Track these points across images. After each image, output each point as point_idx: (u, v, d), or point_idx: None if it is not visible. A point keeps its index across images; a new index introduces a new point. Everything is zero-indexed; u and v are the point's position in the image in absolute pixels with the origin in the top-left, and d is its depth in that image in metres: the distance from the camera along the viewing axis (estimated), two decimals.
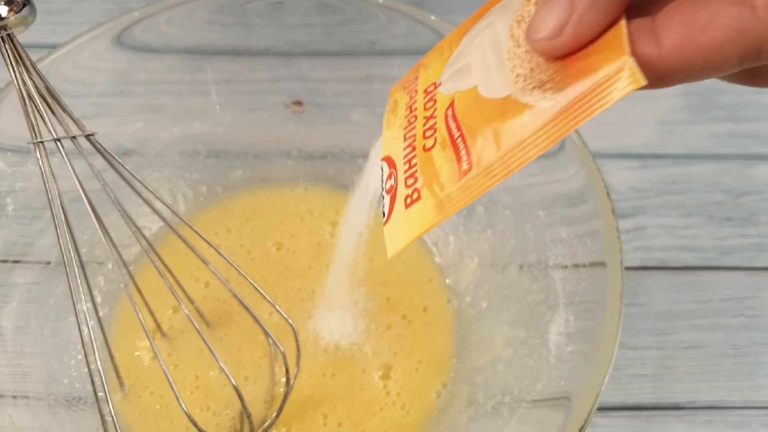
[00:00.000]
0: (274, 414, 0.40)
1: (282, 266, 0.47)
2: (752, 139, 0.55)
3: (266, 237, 0.48)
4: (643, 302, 0.48)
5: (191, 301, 0.42)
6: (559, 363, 0.38)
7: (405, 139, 0.28)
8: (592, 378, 0.34)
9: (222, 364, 0.34)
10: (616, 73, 0.20)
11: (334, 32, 0.49)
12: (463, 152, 0.24)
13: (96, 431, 0.39)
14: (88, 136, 0.34)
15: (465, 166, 0.24)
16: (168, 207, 0.36)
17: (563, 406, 0.35)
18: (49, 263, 0.44)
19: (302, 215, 0.49)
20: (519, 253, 0.44)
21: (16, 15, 0.30)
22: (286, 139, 0.51)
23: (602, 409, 0.44)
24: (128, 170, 0.35)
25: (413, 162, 0.27)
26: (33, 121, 0.33)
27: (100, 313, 0.44)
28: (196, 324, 0.35)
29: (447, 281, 0.47)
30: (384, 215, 0.28)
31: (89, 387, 0.40)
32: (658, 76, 0.21)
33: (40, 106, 0.32)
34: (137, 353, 0.44)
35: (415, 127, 0.28)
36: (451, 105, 0.26)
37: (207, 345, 0.35)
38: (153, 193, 0.36)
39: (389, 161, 0.29)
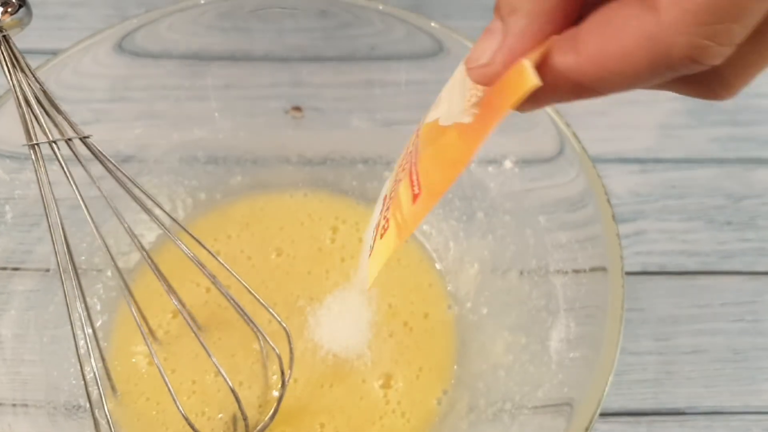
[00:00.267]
0: (268, 417, 0.40)
1: (282, 272, 0.47)
2: (752, 143, 0.55)
3: (266, 242, 0.48)
4: (644, 307, 0.48)
5: (183, 305, 0.42)
6: (561, 369, 0.38)
7: (395, 176, 0.29)
8: (594, 384, 0.33)
9: (219, 366, 0.34)
10: (515, 77, 0.21)
11: (333, 37, 0.49)
12: (415, 178, 0.26)
13: None
14: (83, 139, 0.34)
15: (416, 190, 0.26)
16: (165, 213, 0.36)
17: (565, 412, 0.35)
18: (48, 270, 0.44)
19: (302, 220, 0.49)
20: (519, 258, 0.44)
21: (12, 16, 0.30)
22: (285, 145, 0.51)
23: (603, 414, 0.44)
24: (125, 174, 0.35)
25: (392, 195, 0.28)
26: (29, 124, 0.32)
27: (99, 321, 0.45)
28: (194, 328, 0.35)
29: (447, 287, 0.46)
30: (370, 249, 0.30)
31: (86, 395, 0.40)
32: (577, 84, 0.21)
33: (36, 108, 0.32)
34: (134, 359, 0.43)
35: (401, 163, 0.29)
36: (419, 136, 0.27)
37: (204, 348, 0.35)
38: (151, 198, 0.36)
39: (384, 199, 0.30)
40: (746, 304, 0.48)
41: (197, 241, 0.37)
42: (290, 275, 0.46)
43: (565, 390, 0.37)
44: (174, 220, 0.37)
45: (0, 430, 0.36)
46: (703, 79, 0.22)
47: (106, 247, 0.37)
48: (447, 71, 0.46)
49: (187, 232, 0.36)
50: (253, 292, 0.37)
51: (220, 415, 0.41)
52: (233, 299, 0.38)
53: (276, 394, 0.41)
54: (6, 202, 0.42)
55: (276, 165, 0.51)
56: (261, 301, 0.37)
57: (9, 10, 0.30)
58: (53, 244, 0.34)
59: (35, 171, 0.33)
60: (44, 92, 0.33)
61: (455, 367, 0.44)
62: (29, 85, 0.32)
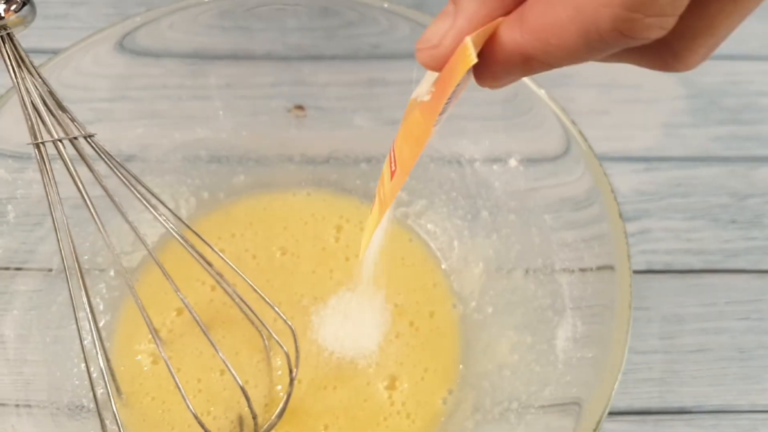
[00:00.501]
0: (274, 415, 0.40)
1: (287, 271, 0.46)
2: (756, 142, 0.55)
3: (271, 241, 0.48)
4: (649, 306, 0.48)
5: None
6: (568, 368, 0.37)
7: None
8: (602, 383, 0.33)
9: (228, 364, 0.34)
10: (461, 56, 0.21)
11: (335, 36, 0.48)
12: (392, 154, 0.27)
13: None
14: (87, 138, 0.34)
15: (393, 167, 0.27)
16: (170, 210, 0.36)
17: (573, 412, 0.35)
18: (50, 270, 0.43)
19: (306, 220, 0.49)
20: (524, 257, 0.43)
21: (16, 14, 0.29)
22: (288, 144, 0.51)
23: (609, 413, 0.44)
24: (130, 172, 0.35)
25: (381, 176, 0.30)
26: (33, 123, 0.32)
27: (102, 321, 0.44)
28: (202, 325, 0.34)
29: (452, 286, 0.46)
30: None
31: (92, 395, 0.40)
32: (526, 57, 0.21)
33: (41, 107, 0.32)
34: (138, 358, 0.43)
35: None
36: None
37: (212, 345, 0.34)
38: (155, 196, 0.36)
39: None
40: (752, 303, 0.48)
41: (202, 240, 0.37)
42: (295, 274, 0.46)
43: (572, 389, 0.36)
44: (179, 218, 0.36)
45: (3, 431, 0.36)
46: (655, 51, 0.22)
47: (111, 245, 0.36)
48: None
49: (193, 231, 0.36)
50: (259, 291, 0.37)
51: (226, 415, 0.41)
52: (240, 298, 0.38)
53: (280, 389, 0.41)
54: (8, 202, 0.42)
55: (279, 164, 0.51)
56: (267, 300, 0.37)
57: (13, 7, 0.30)
58: (58, 242, 0.34)
59: (40, 170, 0.33)
60: (49, 91, 0.33)
61: (460, 366, 0.43)
62: (33, 83, 0.32)
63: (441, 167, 0.48)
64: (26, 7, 0.30)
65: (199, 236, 0.37)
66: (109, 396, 0.35)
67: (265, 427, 0.39)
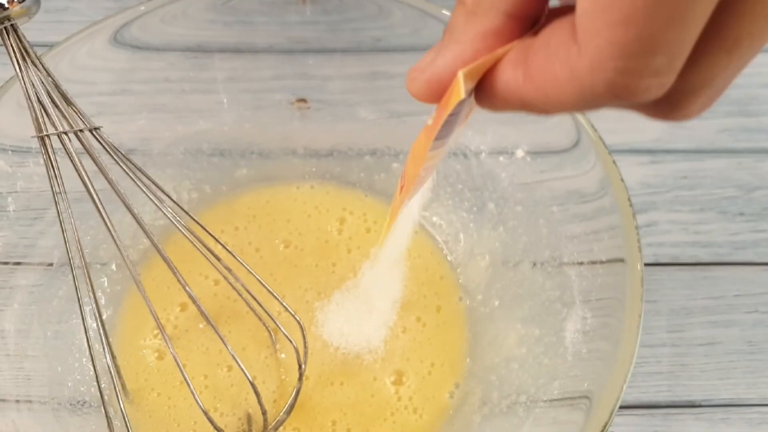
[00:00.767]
0: (283, 411, 0.39)
1: (290, 264, 0.46)
2: (764, 134, 0.54)
3: (274, 234, 0.47)
4: (657, 299, 0.48)
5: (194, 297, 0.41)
6: (577, 362, 0.37)
7: None
8: (613, 377, 0.33)
9: (238, 359, 0.34)
10: (455, 87, 0.21)
11: (338, 29, 0.48)
12: (404, 170, 0.29)
13: None
14: (93, 130, 0.33)
15: (402, 183, 0.29)
16: (176, 203, 0.35)
17: (583, 406, 0.34)
18: (51, 265, 0.43)
19: (309, 212, 0.48)
20: (532, 249, 0.43)
21: (21, 5, 0.29)
22: (291, 137, 0.50)
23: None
24: (135, 165, 0.34)
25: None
26: (38, 115, 0.32)
27: (105, 315, 0.44)
28: (210, 319, 0.34)
29: (459, 279, 0.46)
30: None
31: (94, 390, 0.39)
32: (522, 102, 0.21)
33: (45, 100, 0.31)
34: (142, 353, 0.43)
35: None
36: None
37: (222, 339, 0.34)
38: (161, 189, 0.35)
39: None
40: (760, 295, 0.48)
41: (208, 232, 0.36)
42: (298, 267, 0.46)
43: (582, 383, 0.36)
44: (185, 211, 0.36)
45: (4, 427, 0.35)
46: (652, 102, 0.21)
47: (117, 237, 0.36)
48: None
49: (198, 223, 0.36)
50: (266, 284, 0.36)
51: (234, 412, 0.41)
52: (249, 291, 0.37)
53: (289, 384, 0.41)
54: (8, 195, 0.42)
55: (282, 157, 0.50)
56: (274, 294, 0.36)
57: None
58: (63, 235, 0.34)
59: (45, 163, 0.32)
60: (54, 83, 0.32)
61: (467, 360, 0.43)
62: (38, 75, 0.31)
63: (446, 159, 0.47)
64: None
65: (205, 230, 0.36)
66: (116, 392, 0.35)
67: (274, 423, 0.39)
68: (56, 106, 0.32)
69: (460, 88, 0.21)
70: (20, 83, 0.31)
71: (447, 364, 0.43)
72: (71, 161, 0.33)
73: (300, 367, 0.38)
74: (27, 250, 0.43)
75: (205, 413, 0.34)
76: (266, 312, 0.39)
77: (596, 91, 0.19)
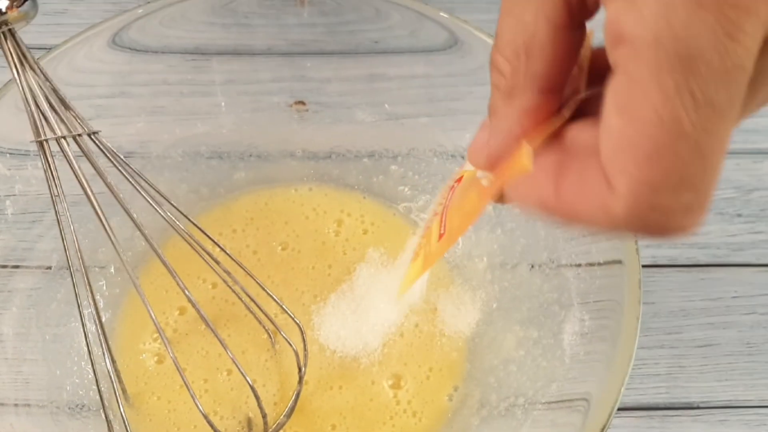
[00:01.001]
0: (283, 414, 0.39)
1: (287, 266, 0.46)
2: (762, 135, 0.54)
3: (272, 237, 0.47)
4: (655, 300, 0.48)
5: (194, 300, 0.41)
6: (575, 364, 0.37)
7: (435, 207, 0.32)
8: (611, 379, 0.33)
9: (238, 364, 0.34)
10: (518, 158, 0.22)
11: (336, 31, 0.48)
12: (444, 219, 0.29)
13: None
14: (91, 135, 0.33)
15: (442, 230, 0.29)
16: (175, 207, 0.36)
17: (581, 408, 0.34)
18: (49, 268, 0.43)
19: (307, 214, 0.48)
20: (530, 252, 0.43)
21: (19, 9, 0.29)
22: (289, 140, 0.50)
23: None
24: (133, 169, 0.35)
25: (428, 225, 0.32)
26: (36, 120, 0.32)
27: (103, 318, 0.44)
28: (210, 323, 0.34)
29: (456, 281, 0.46)
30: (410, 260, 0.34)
31: (92, 394, 0.39)
32: (548, 212, 0.22)
33: (43, 104, 0.31)
34: (142, 357, 0.43)
35: (442, 194, 0.32)
36: (459, 179, 0.30)
37: (222, 344, 0.34)
38: (160, 193, 0.35)
39: (427, 223, 0.33)
40: (758, 297, 0.48)
41: (206, 235, 0.36)
42: (295, 270, 0.46)
43: (580, 385, 0.36)
44: (183, 214, 0.36)
45: (2, 430, 0.36)
46: None
47: (116, 241, 0.36)
48: (452, 64, 0.45)
49: (197, 226, 0.36)
50: (265, 288, 0.36)
51: (234, 416, 0.41)
52: (248, 294, 0.37)
53: (289, 387, 0.41)
54: (6, 198, 0.42)
55: (280, 160, 0.50)
56: (274, 297, 0.37)
57: (15, 3, 0.29)
58: (62, 238, 0.34)
59: (43, 167, 0.32)
60: (52, 87, 0.32)
61: (466, 362, 0.43)
62: (36, 80, 0.31)
63: (444, 162, 0.48)
64: (28, 3, 0.30)
65: (204, 233, 0.36)
66: (115, 396, 0.35)
67: (274, 426, 0.39)
68: (54, 110, 0.32)
69: (529, 163, 0.22)
70: (18, 88, 0.31)
71: (445, 366, 0.43)
72: (69, 165, 0.33)
73: (300, 370, 0.38)
74: (25, 253, 0.43)
75: (206, 417, 0.34)
76: (265, 314, 0.39)
77: (629, 225, 0.19)
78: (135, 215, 0.36)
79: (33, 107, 0.32)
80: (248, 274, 0.37)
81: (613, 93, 0.18)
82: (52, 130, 0.32)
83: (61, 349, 0.42)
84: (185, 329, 0.43)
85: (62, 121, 0.33)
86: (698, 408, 0.44)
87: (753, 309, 0.47)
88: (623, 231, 0.20)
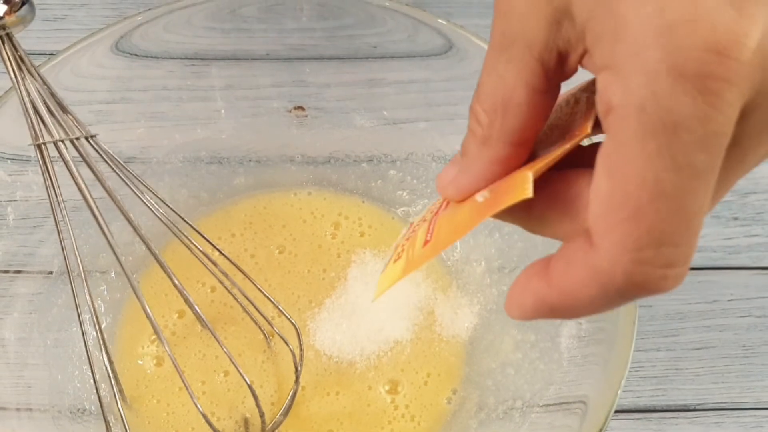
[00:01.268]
0: (280, 413, 0.40)
1: (284, 270, 0.46)
2: None
3: (269, 240, 0.48)
4: (651, 303, 0.48)
5: (193, 303, 0.41)
6: (572, 367, 0.37)
7: (425, 213, 0.32)
8: (608, 381, 0.33)
9: (236, 364, 0.34)
10: (518, 184, 0.23)
11: (335, 36, 0.48)
12: (432, 226, 0.29)
13: None
14: (89, 138, 0.34)
15: (428, 237, 0.29)
16: (173, 211, 0.36)
17: (578, 410, 0.35)
18: (50, 273, 0.43)
19: (305, 218, 0.49)
20: (527, 255, 0.43)
21: (16, 14, 0.29)
22: (289, 145, 0.50)
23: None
24: (132, 173, 0.35)
25: (415, 228, 0.32)
26: (34, 124, 0.32)
27: (104, 323, 0.44)
28: (209, 325, 0.34)
29: (454, 284, 0.46)
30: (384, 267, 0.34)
31: (94, 398, 0.40)
32: (550, 308, 0.22)
33: (41, 108, 0.32)
34: (140, 361, 0.43)
35: (435, 204, 0.32)
36: None
37: (221, 346, 0.34)
38: (158, 196, 0.36)
39: (411, 225, 0.33)
40: (754, 300, 0.48)
41: (206, 239, 0.36)
42: (291, 273, 0.46)
43: (577, 388, 0.36)
44: (183, 218, 0.36)
45: None
46: None
47: (116, 245, 0.36)
48: (450, 69, 0.46)
49: (196, 230, 0.36)
50: (263, 291, 0.37)
51: (230, 416, 0.41)
52: (245, 296, 0.37)
53: (286, 388, 0.41)
54: (8, 204, 0.42)
55: (280, 165, 0.51)
56: (272, 299, 0.37)
57: (12, 8, 0.30)
58: (61, 243, 0.34)
59: (42, 172, 0.33)
60: (50, 92, 0.32)
61: (464, 366, 0.43)
62: (33, 84, 0.32)
63: (443, 166, 0.48)
64: (25, 7, 0.30)
65: (204, 238, 0.36)
66: (115, 399, 0.35)
67: (271, 425, 0.39)
68: (52, 114, 0.32)
69: (529, 189, 0.22)
70: (16, 91, 0.32)
71: (444, 370, 0.43)
72: (68, 169, 0.33)
73: (296, 369, 0.39)
74: (27, 258, 0.43)
75: (205, 417, 0.35)
76: (263, 316, 0.39)
77: (617, 283, 0.20)
78: (134, 219, 0.36)
79: (31, 111, 0.32)
80: (246, 277, 0.37)
81: (603, 156, 0.19)
82: (50, 133, 0.32)
83: (63, 353, 0.42)
84: (183, 332, 0.44)
85: (60, 124, 0.33)
86: (694, 410, 0.44)
87: (749, 312, 0.48)
88: (615, 294, 0.20)
